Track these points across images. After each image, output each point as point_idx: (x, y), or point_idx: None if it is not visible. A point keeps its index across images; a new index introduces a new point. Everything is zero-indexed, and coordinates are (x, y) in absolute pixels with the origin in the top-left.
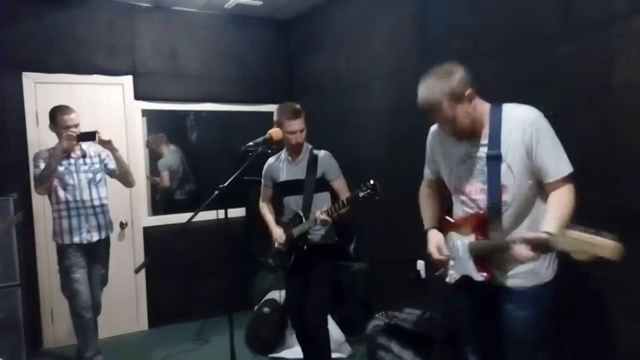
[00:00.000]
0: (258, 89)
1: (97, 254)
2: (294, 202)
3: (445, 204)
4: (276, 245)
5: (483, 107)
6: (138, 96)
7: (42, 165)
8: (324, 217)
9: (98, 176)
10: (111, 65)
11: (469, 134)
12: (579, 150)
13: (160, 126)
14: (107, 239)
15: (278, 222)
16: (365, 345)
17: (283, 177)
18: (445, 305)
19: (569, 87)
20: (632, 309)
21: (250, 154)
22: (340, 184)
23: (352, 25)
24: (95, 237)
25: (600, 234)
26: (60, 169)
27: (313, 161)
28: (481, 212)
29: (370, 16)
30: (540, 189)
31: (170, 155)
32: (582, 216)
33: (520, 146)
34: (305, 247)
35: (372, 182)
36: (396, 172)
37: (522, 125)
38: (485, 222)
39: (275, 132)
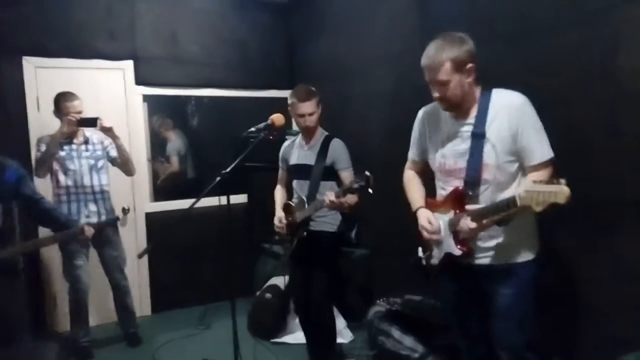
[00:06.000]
0: (258, 74)
1: (101, 238)
2: (300, 187)
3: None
4: (275, 228)
5: (475, 88)
6: (139, 81)
7: (44, 149)
8: (333, 197)
9: (100, 163)
10: (112, 49)
11: (455, 107)
12: (583, 138)
13: (162, 112)
14: (112, 222)
15: (287, 204)
16: (366, 331)
17: (294, 160)
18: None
19: (572, 75)
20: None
21: (251, 140)
22: (346, 176)
23: (353, 10)
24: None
25: (552, 182)
26: (62, 154)
27: (325, 148)
28: (460, 188)
29: (371, 1)
30: (523, 173)
31: (178, 140)
32: (588, 204)
33: (506, 128)
34: (305, 233)
35: (367, 173)
36: (397, 160)
37: (508, 108)
38: (462, 196)
39: (277, 118)
